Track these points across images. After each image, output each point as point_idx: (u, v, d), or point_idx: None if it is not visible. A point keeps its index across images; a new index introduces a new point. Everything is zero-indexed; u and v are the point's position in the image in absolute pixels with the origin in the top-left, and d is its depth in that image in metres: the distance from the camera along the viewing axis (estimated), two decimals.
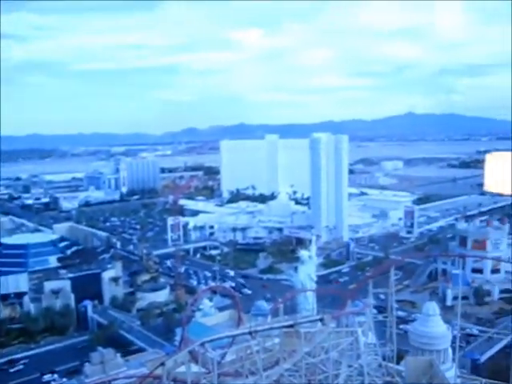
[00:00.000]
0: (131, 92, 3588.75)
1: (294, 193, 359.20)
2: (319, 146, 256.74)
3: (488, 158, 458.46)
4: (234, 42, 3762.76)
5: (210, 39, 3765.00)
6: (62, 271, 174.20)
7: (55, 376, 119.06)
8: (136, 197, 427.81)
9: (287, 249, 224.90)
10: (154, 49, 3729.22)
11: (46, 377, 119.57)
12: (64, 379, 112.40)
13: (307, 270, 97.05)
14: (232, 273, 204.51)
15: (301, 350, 55.83)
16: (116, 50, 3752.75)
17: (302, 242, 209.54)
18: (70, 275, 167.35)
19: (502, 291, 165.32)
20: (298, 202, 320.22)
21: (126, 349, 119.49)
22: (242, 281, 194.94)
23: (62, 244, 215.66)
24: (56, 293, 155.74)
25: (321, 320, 60.48)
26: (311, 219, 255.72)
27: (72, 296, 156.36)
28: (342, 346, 59.08)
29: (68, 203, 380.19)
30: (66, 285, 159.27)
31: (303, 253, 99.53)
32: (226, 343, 62.78)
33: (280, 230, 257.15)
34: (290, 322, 58.59)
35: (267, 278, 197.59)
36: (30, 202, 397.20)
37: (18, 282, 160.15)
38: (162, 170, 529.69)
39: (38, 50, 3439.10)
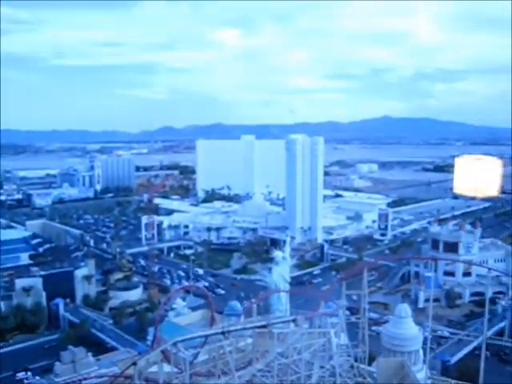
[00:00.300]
0: (108, 89, 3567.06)
1: (270, 193, 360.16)
2: (295, 148, 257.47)
3: (457, 160, 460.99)
4: (212, 41, 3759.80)
5: (188, 38, 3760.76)
6: (34, 268, 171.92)
7: (29, 374, 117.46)
8: (110, 195, 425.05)
9: (261, 249, 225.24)
10: (131, 46, 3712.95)
11: (20, 374, 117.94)
12: (37, 377, 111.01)
13: (281, 271, 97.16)
14: (201, 271, 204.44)
15: (273, 350, 55.95)
16: (93, 46, 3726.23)
17: (276, 243, 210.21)
18: (42, 273, 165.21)
19: (472, 294, 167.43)
20: (273, 203, 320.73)
21: (97, 348, 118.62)
22: (211, 280, 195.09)
23: (35, 241, 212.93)
24: (27, 290, 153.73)
25: (294, 321, 60.70)
26: (286, 220, 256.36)
27: (44, 294, 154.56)
28: (315, 346, 59.33)
29: (41, 200, 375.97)
30: (37, 282, 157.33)
31: (277, 253, 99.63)
32: (199, 343, 62.61)
33: (254, 230, 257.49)
34: (263, 323, 58.70)
35: (241, 278, 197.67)
36: (2, 198, 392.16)
37: None
38: (138, 169, 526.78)
39: (13, 43, 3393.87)
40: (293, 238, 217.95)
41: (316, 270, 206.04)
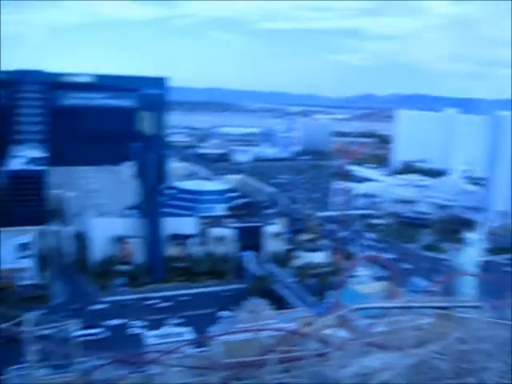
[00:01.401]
0: (310, 53, 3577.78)
1: (468, 171, 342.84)
2: (502, 126, 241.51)
3: None
4: (420, 8, 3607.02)
5: (395, 4, 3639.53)
6: (228, 220, 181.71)
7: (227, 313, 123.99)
8: (306, 157, 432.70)
9: (453, 228, 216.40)
10: (336, 11, 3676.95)
11: (221, 313, 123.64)
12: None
13: (472, 254, 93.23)
14: (386, 243, 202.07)
15: (452, 334, 54.28)
16: (299, 10, 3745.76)
17: (469, 224, 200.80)
18: (235, 225, 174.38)
19: None
20: (470, 182, 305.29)
21: (277, 302, 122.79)
22: (397, 253, 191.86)
23: (232, 194, 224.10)
24: (220, 240, 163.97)
25: (478, 307, 58.28)
26: (483, 201, 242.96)
27: (234, 245, 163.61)
28: (499, 338, 56.47)
29: (241, 156, 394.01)
30: (229, 233, 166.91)
31: (470, 235, 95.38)
32: (377, 314, 62.59)
33: (448, 207, 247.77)
34: (445, 304, 57.15)
35: (428, 255, 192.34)
36: (205, 151, 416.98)
37: (188, 225, 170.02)
38: (335, 134, 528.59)
39: (223, 7, 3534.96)
40: (489, 220, 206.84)
41: (510, 258, 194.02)
